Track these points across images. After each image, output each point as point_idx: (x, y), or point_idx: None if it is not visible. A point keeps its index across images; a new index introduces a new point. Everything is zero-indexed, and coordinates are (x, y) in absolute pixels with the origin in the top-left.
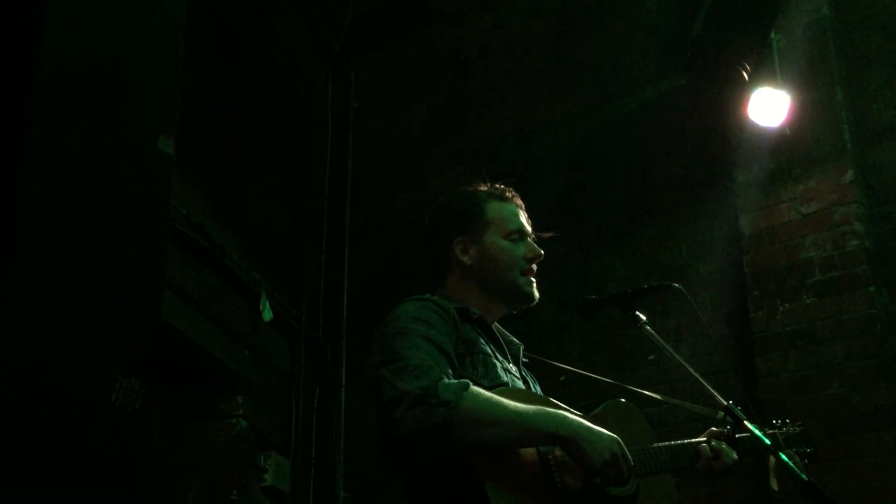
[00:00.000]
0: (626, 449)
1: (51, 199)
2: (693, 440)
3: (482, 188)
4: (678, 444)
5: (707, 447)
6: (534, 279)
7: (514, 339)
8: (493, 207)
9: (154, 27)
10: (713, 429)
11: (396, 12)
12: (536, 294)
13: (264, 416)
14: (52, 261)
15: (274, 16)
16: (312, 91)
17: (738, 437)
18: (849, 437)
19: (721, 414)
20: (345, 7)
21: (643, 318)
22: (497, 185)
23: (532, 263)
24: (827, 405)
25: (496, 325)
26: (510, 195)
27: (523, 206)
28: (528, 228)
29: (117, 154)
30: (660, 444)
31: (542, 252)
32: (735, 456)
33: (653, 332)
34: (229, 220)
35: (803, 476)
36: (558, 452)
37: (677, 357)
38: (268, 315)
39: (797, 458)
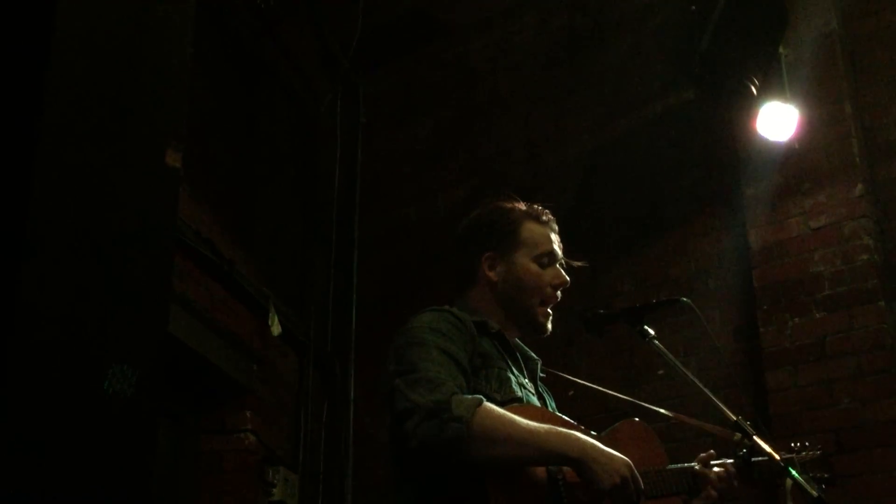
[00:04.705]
0: (636, 472)
1: (57, 212)
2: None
3: (519, 206)
4: (690, 467)
5: (721, 471)
6: (551, 312)
7: (533, 355)
8: (528, 228)
9: (162, 41)
10: (726, 459)
11: (405, 27)
12: (549, 328)
13: (272, 431)
14: (58, 274)
15: (283, 31)
16: (321, 106)
17: (754, 461)
18: (860, 453)
19: (738, 436)
20: (353, 22)
21: (652, 332)
22: (534, 206)
23: (556, 290)
24: (837, 421)
25: (515, 340)
26: (546, 218)
27: (557, 230)
28: (559, 253)
29: (124, 168)
30: (672, 466)
31: (568, 280)
32: (747, 479)
33: (661, 346)
34: (238, 234)
35: (813, 492)
36: (568, 472)
37: (686, 372)
38: (276, 329)
39: (813, 483)
